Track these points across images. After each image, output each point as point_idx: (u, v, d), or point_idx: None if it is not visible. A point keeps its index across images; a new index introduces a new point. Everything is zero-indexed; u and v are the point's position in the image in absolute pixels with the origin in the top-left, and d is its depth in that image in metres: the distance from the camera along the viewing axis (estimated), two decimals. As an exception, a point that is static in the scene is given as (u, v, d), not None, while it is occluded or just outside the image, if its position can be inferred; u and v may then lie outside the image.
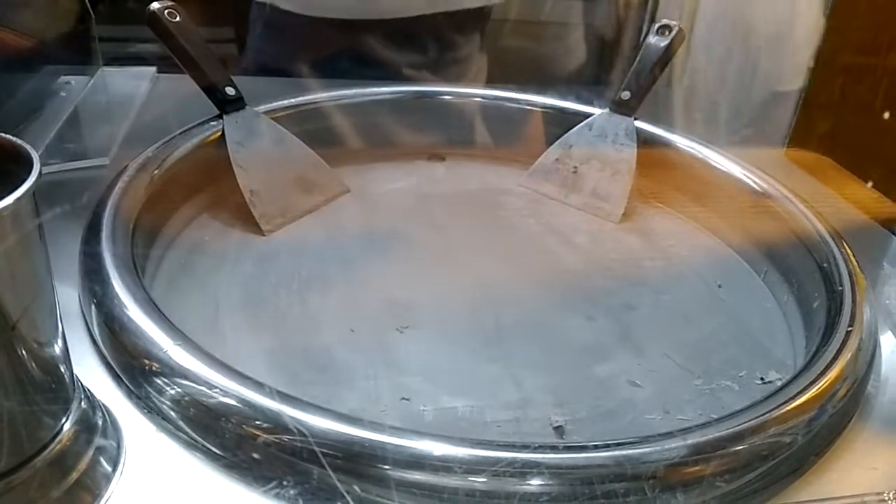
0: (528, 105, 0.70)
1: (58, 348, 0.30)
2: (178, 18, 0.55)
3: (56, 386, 0.31)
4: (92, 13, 0.74)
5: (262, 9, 0.85)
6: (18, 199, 0.25)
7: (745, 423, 0.34)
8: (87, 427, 0.32)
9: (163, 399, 0.35)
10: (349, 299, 0.50)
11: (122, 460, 0.33)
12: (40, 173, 0.26)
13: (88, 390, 0.34)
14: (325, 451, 0.31)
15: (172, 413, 0.35)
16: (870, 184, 0.65)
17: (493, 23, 0.95)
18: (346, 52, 0.84)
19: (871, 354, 0.42)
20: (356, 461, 0.31)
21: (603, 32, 1.15)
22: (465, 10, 0.87)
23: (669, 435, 0.33)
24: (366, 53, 0.84)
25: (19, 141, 0.28)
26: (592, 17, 1.15)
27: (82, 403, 0.32)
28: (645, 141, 0.63)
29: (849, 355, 0.40)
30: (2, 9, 0.60)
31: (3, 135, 0.28)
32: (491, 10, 0.92)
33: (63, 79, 0.71)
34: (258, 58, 0.89)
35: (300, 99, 0.64)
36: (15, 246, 0.26)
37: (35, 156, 0.27)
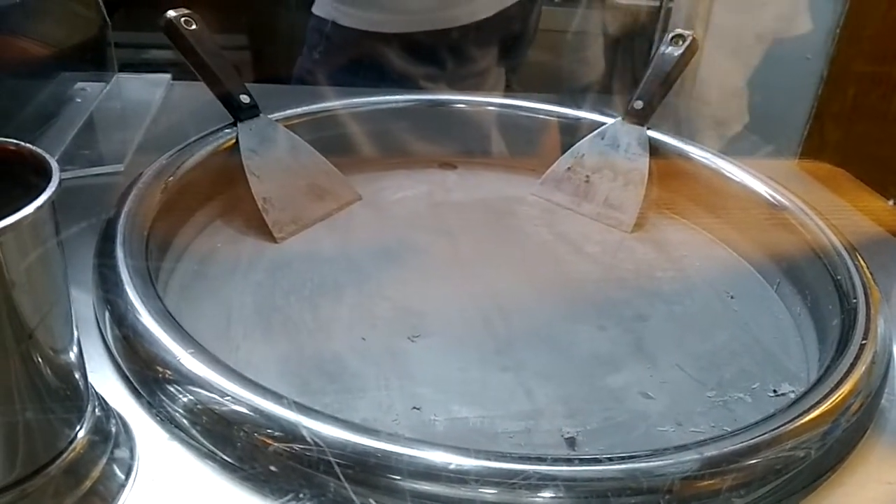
0: (540, 114, 0.70)
1: (73, 356, 0.30)
2: (194, 26, 0.56)
3: (71, 394, 0.31)
4: (108, 21, 0.74)
5: (323, 23, 0.89)
6: (39, 208, 0.25)
7: (759, 436, 0.34)
8: (101, 435, 0.32)
9: (176, 407, 0.35)
10: (361, 307, 0.50)
11: (135, 469, 0.33)
12: (60, 183, 0.26)
13: (102, 398, 0.34)
14: (341, 461, 0.31)
15: (185, 421, 0.35)
16: (891, 202, 0.64)
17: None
18: (395, 64, 0.89)
19: (885, 368, 0.42)
20: (373, 472, 0.31)
21: (617, 42, 1.16)
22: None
23: (684, 448, 0.33)
24: (412, 65, 0.89)
25: (39, 150, 0.28)
26: (606, 26, 1.16)
27: (96, 411, 0.33)
28: (658, 151, 0.63)
29: (863, 368, 0.39)
30: (20, 17, 0.61)
31: (23, 144, 0.28)
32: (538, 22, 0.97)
33: (79, 85, 0.72)
34: (311, 67, 0.93)
35: (314, 107, 0.65)
36: (34, 255, 0.26)
37: (55, 166, 0.27)
